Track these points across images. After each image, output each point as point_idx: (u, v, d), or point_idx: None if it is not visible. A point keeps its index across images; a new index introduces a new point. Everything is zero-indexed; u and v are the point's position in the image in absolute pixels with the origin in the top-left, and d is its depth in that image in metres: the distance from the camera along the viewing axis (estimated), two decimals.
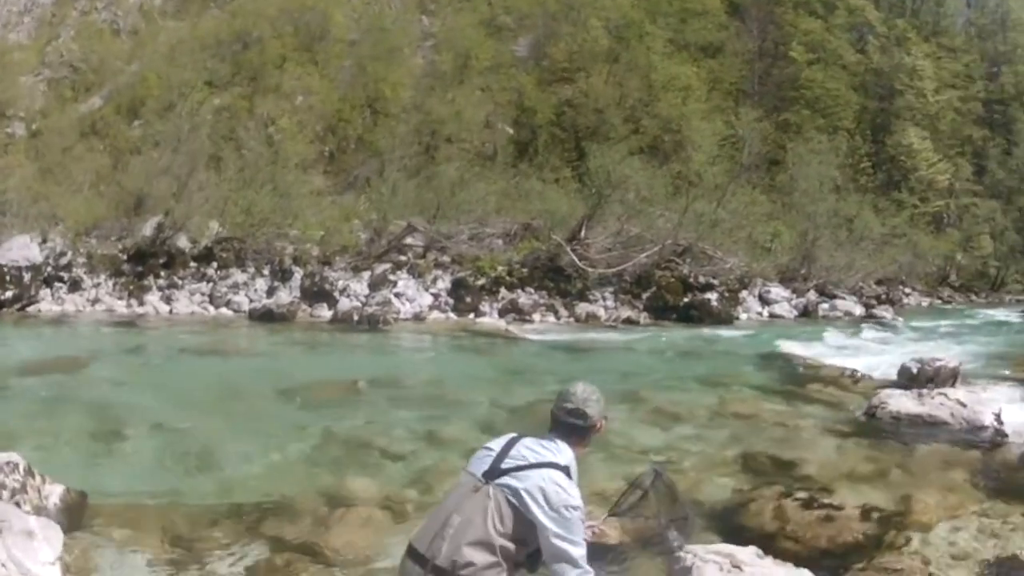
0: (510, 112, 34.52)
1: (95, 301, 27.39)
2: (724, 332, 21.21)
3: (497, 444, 3.54)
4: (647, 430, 9.66)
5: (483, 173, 30.01)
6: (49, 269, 28.89)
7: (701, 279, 24.58)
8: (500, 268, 24.71)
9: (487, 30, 37.69)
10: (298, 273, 25.88)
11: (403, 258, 26.40)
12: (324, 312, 23.77)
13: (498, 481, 3.34)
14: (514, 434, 3.60)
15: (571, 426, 3.51)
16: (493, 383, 13.58)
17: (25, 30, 62.42)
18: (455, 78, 35.62)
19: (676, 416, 10.39)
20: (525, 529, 3.28)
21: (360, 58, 36.88)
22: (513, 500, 3.29)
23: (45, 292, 27.98)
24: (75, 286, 28.38)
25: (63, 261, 29.49)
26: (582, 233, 25.50)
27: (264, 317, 23.09)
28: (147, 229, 29.21)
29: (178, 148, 29.88)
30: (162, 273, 27.74)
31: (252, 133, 33.27)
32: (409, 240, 27.11)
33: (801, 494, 6.85)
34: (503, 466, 3.38)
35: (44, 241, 30.06)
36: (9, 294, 26.52)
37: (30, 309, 26.84)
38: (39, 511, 6.57)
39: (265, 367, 16.24)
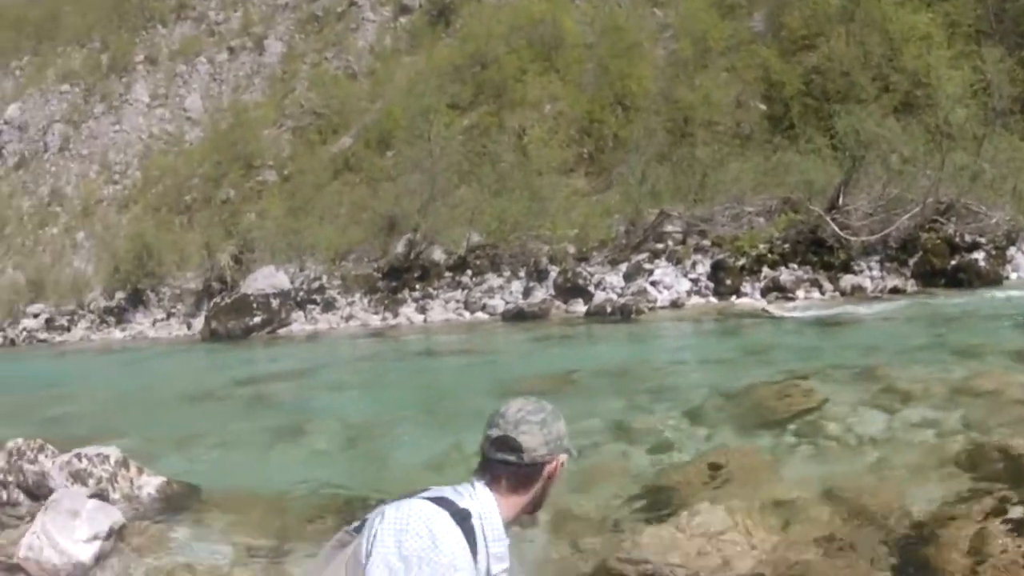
0: (759, 88, 36.37)
1: (349, 318, 31.93)
2: (991, 294, 21.23)
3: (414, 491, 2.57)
4: (870, 415, 9.25)
5: (740, 152, 31.98)
6: (301, 294, 34.11)
7: (967, 238, 24.63)
8: (761, 246, 26.06)
9: (720, 11, 39.98)
10: (554, 272, 28.62)
11: (660, 246, 28.34)
12: (579, 307, 26.21)
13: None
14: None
15: (498, 464, 2.53)
16: (723, 366, 14.11)
17: (258, 90, 72.28)
18: (697, 63, 38.16)
19: (908, 396, 9.87)
20: None
21: (600, 59, 40.19)
22: (366, 549, 2.35)
23: (297, 314, 33.05)
24: (329, 306, 33.25)
25: (315, 285, 34.71)
26: (840, 201, 26.33)
27: (517, 317, 26.10)
28: (400, 247, 33.89)
29: (427, 169, 34.55)
30: (417, 286, 31.79)
31: (504, 145, 37.70)
32: (669, 228, 29.07)
33: (1017, 511, 5.75)
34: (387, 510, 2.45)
35: (301, 269, 35.78)
36: (258, 319, 31.91)
37: (281, 331, 31.86)
38: (128, 499, 8.03)
39: (492, 363, 18.51)
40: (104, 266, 54.03)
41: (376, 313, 31.77)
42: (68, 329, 48.32)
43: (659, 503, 6.87)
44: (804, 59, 36.37)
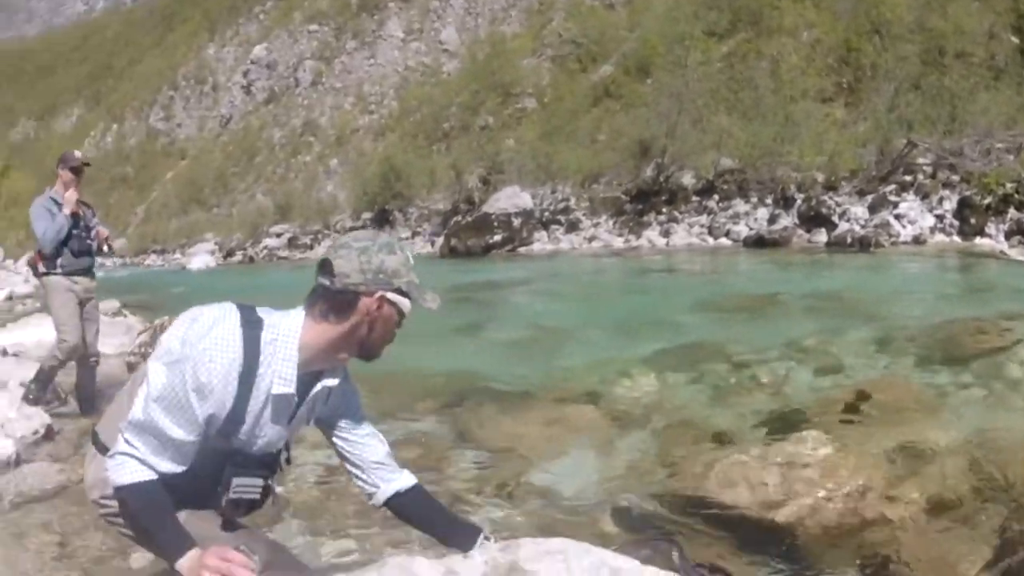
0: (1009, 19, 36.87)
1: (592, 239, 34.62)
2: None
3: None
4: None
5: (992, 84, 32.54)
6: (546, 214, 37.30)
7: None
8: (1008, 185, 25.97)
9: None
10: (799, 200, 29.91)
11: (908, 179, 28.88)
12: (821, 237, 27.17)
13: None
14: None
15: (316, 287, 2.84)
16: (937, 301, 13.92)
17: (515, 21, 77.41)
18: None
19: None
20: None
21: None
22: None
23: (540, 234, 36.01)
24: (573, 227, 36.23)
25: (561, 206, 37.95)
26: None
27: (757, 244, 27.47)
28: (648, 171, 36.52)
29: (680, 95, 36.96)
30: (663, 209, 34.14)
31: (760, 72, 39.88)
32: (919, 160, 29.62)
33: None
34: None
35: (553, 192, 39.18)
36: (498, 237, 34.95)
37: (521, 250, 34.67)
38: None
39: (712, 283, 19.74)
40: (354, 190, 59.00)
41: (620, 235, 34.33)
42: (311, 247, 53.25)
43: (780, 424, 6.69)
44: None
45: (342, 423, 3.17)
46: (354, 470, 3.21)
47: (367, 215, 53.44)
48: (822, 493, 4.74)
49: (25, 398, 7.97)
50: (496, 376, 9.09)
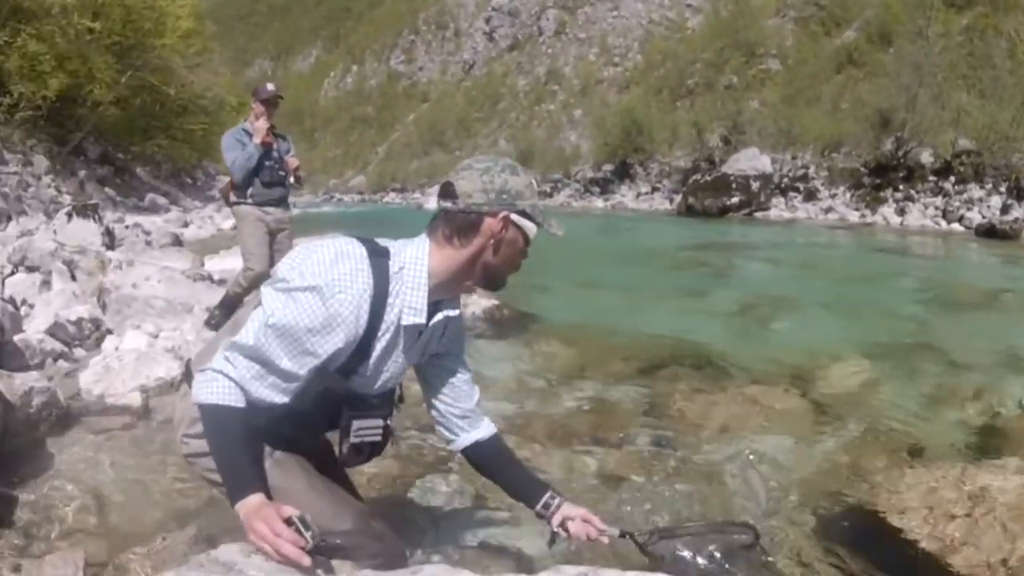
0: None
1: (828, 210, 35.43)
2: None
3: None
4: None
5: None
6: (785, 180, 38.01)
7: None
8: None
9: None
10: None
11: None
12: None
13: None
14: None
15: (439, 212, 2.78)
16: None
17: None
18: None
19: None
20: None
21: None
22: None
23: (777, 200, 36.83)
24: (810, 196, 37.17)
25: (800, 173, 38.75)
26: None
27: (988, 234, 26.91)
28: (888, 144, 36.78)
29: (920, 66, 37.31)
30: (900, 186, 34.49)
31: (998, 51, 39.22)
32: None
33: None
34: None
35: (793, 158, 39.92)
36: (735, 200, 35.84)
37: (757, 214, 35.43)
38: None
39: (937, 271, 19.11)
40: (596, 141, 61.21)
41: (856, 209, 35.08)
42: (550, 195, 56.31)
43: (980, 444, 6.06)
44: None
45: (447, 364, 3.14)
46: (440, 414, 3.20)
47: (608, 167, 55.66)
48: (1008, 539, 4.15)
49: (207, 323, 8.14)
50: (703, 345, 8.96)
